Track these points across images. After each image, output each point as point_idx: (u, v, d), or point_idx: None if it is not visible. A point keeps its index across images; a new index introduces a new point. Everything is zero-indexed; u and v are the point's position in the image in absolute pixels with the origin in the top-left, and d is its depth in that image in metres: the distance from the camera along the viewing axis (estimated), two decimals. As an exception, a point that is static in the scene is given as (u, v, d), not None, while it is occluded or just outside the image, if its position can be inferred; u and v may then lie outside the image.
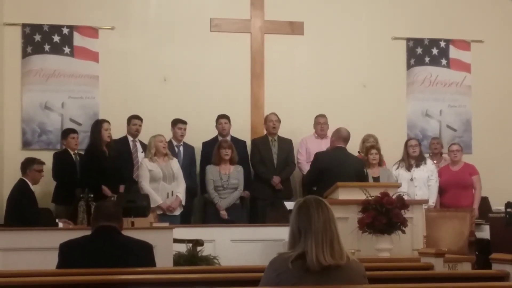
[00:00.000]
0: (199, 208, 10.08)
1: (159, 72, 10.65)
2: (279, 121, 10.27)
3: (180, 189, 9.33)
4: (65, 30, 10.44)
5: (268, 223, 9.15)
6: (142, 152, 9.75)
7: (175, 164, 9.37)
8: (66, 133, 9.91)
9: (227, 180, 9.50)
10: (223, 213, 9.43)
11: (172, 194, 9.24)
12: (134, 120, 10.00)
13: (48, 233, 7.20)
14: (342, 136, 8.52)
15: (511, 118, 11.50)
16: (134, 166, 9.71)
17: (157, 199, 9.01)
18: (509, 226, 8.17)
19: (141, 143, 9.92)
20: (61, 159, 9.70)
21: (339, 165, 8.24)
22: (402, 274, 4.85)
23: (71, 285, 4.36)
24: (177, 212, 9.29)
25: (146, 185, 9.08)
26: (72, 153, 9.78)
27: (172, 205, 9.19)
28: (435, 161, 10.37)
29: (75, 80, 10.44)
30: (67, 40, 10.44)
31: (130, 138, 10.00)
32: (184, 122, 10.05)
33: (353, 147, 9.10)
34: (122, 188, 9.40)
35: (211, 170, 9.55)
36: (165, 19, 10.73)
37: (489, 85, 11.45)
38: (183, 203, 9.35)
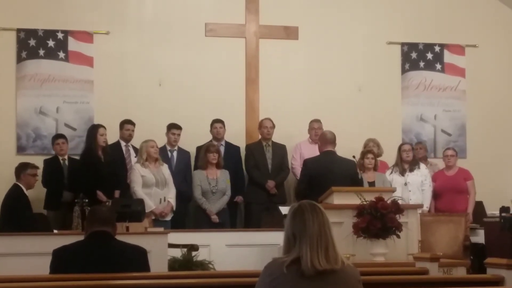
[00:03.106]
0: (193, 213, 10.06)
1: (154, 76, 10.64)
2: (273, 127, 10.26)
3: (171, 195, 9.31)
4: (60, 35, 10.43)
5: (263, 228, 9.14)
6: (135, 157, 9.73)
7: (166, 170, 9.36)
8: (53, 139, 9.95)
9: (216, 184, 9.46)
10: (214, 218, 9.40)
11: (164, 200, 9.23)
12: (126, 125, 9.99)
13: (43, 238, 7.18)
14: (327, 139, 8.48)
15: (505, 122, 11.52)
16: (128, 171, 9.70)
17: (150, 204, 8.98)
18: (504, 231, 8.18)
19: (134, 148, 9.91)
20: (50, 165, 9.73)
21: (329, 169, 8.19)
22: (397, 278, 4.86)
23: (65, 290, 4.37)
24: (168, 217, 9.28)
25: (139, 190, 9.07)
26: (60, 158, 9.79)
27: (164, 211, 9.18)
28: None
29: (70, 85, 10.43)
30: (62, 45, 10.43)
31: (123, 143, 9.99)
32: (179, 128, 10.03)
33: (349, 151, 9.08)
34: (117, 194, 9.39)
35: (198, 175, 9.49)
36: (160, 24, 10.73)
37: (484, 89, 11.47)
38: (174, 208, 9.35)
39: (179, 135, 10.04)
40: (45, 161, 9.79)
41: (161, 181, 9.22)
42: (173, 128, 10.02)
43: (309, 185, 8.34)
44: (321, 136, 8.82)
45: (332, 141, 8.48)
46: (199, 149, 10.00)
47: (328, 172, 8.15)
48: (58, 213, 9.41)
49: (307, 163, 8.55)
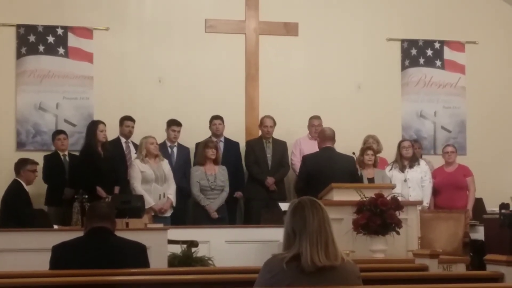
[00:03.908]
0: (192, 209, 10.04)
1: (154, 73, 10.63)
2: (274, 126, 10.24)
3: (171, 191, 9.31)
4: (60, 31, 10.43)
5: (263, 224, 9.15)
6: (135, 153, 9.73)
7: (166, 165, 9.35)
8: (53, 135, 9.98)
9: (214, 181, 9.43)
10: (214, 214, 9.38)
11: (164, 196, 9.23)
12: (126, 122, 9.99)
13: (43, 234, 7.18)
14: (326, 136, 8.52)
15: (505, 119, 11.52)
16: (128, 167, 9.69)
17: (149, 200, 8.97)
18: (504, 227, 8.18)
19: (134, 144, 9.90)
20: (50, 161, 9.73)
21: (328, 165, 8.22)
22: (397, 275, 4.86)
23: (65, 286, 4.36)
24: (168, 213, 9.28)
25: (138, 186, 9.06)
26: (61, 154, 9.80)
27: (164, 207, 9.18)
28: None
29: (69, 81, 10.43)
30: (62, 40, 10.42)
31: (123, 140, 10.00)
32: (179, 124, 10.02)
33: (348, 148, 9.10)
34: (117, 190, 9.38)
35: (196, 172, 9.46)
36: (160, 20, 10.73)
37: (484, 86, 11.47)
38: (174, 204, 9.34)
39: (179, 131, 10.03)
40: (45, 157, 9.79)
41: (161, 177, 9.21)
42: (173, 124, 10.01)
43: (307, 182, 8.35)
44: (320, 132, 8.84)
45: (331, 137, 8.50)
46: (198, 145, 10.00)
47: (327, 168, 8.16)
48: (59, 209, 9.41)
49: (306, 160, 8.57)
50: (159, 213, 9.12)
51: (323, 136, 8.58)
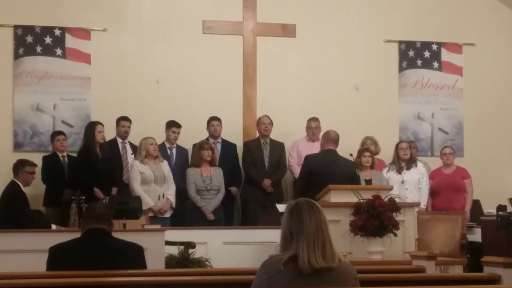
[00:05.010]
0: (188, 211, 10.02)
1: (151, 74, 10.63)
2: (271, 123, 10.27)
3: (170, 192, 9.30)
4: (57, 32, 10.42)
5: (260, 226, 9.13)
6: (132, 154, 9.73)
7: (165, 167, 9.35)
8: (52, 135, 9.96)
9: (210, 182, 9.40)
10: (210, 216, 9.36)
11: (163, 197, 9.22)
12: (122, 122, 9.97)
13: (40, 235, 7.18)
14: (331, 138, 8.55)
15: (502, 121, 11.53)
16: (124, 168, 9.69)
17: (148, 201, 8.98)
18: (501, 229, 8.18)
19: (131, 145, 9.90)
20: (49, 162, 9.72)
21: (329, 167, 8.25)
22: (394, 276, 4.86)
23: (62, 287, 4.35)
24: (168, 214, 9.27)
25: (137, 188, 9.06)
26: (60, 155, 9.79)
27: (163, 208, 9.17)
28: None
29: (67, 82, 10.42)
30: (59, 41, 10.42)
31: (119, 140, 9.98)
32: (179, 126, 10.02)
33: (346, 150, 9.10)
34: (114, 191, 9.38)
35: (192, 173, 9.42)
36: (158, 21, 10.73)
37: (481, 88, 11.47)
38: (173, 205, 9.33)
39: (178, 133, 10.03)
40: (44, 158, 9.77)
41: (160, 178, 9.21)
42: (173, 126, 10.00)
43: (308, 182, 8.36)
44: (325, 134, 8.82)
45: (335, 140, 8.54)
46: (194, 146, 9.99)
47: (328, 170, 8.18)
48: (57, 210, 9.39)
49: (308, 159, 8.58)
50: (159, 213, 9.11)
51: (327, 138, 8.61)
